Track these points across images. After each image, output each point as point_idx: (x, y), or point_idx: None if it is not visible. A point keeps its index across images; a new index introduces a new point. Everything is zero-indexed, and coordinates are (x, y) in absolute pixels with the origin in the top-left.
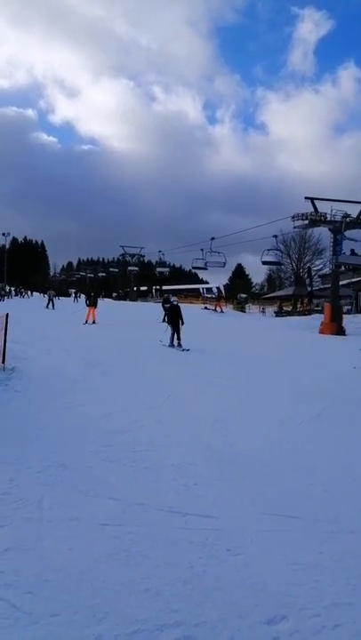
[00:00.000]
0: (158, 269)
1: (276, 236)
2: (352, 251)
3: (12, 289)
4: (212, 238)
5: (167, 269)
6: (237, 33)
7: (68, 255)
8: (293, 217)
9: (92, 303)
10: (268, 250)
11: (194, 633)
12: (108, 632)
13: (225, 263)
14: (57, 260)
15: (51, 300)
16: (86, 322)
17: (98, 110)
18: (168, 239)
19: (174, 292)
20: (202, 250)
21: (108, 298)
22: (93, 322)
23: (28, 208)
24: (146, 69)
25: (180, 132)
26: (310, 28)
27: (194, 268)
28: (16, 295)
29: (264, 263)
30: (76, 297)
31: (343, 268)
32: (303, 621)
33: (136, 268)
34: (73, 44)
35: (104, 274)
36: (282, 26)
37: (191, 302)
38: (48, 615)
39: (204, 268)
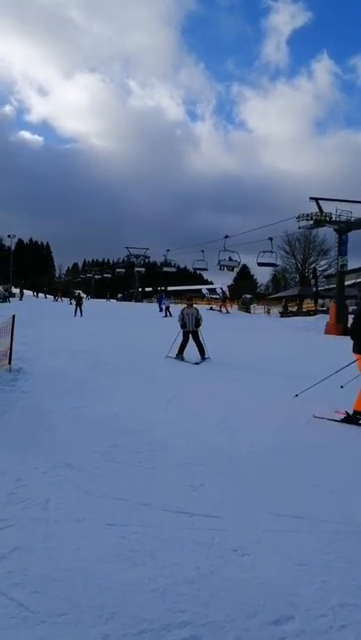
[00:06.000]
0: (165, 269)
1: (271, 239)
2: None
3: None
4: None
5: (174, 269)
6: (200, 22)
7: (73, 257)
8: (298, 217)
9: None
10: (264, 252)
11: (201, 633)
12: (115, 632)
13: (239, 263)
14: (62, 262)
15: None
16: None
17: (75, 107)
18: (163, 238)
19: (178, 294)
20: (202, 251)
21: (114, 299)
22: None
23: (24, 209)
24: (114, 62)
25: (161, 130)
26: (285, 19)
27: (195, 268)
28: (54, 299)
29: (260, 265)
30: (69, 300)
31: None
32: (310, 622)
33: (122, 270)
34: (39, 38)
35: (100, 276)
36: (257, 17)
37: (196, 303)
38: (55, 614)
39: (205, 269)
